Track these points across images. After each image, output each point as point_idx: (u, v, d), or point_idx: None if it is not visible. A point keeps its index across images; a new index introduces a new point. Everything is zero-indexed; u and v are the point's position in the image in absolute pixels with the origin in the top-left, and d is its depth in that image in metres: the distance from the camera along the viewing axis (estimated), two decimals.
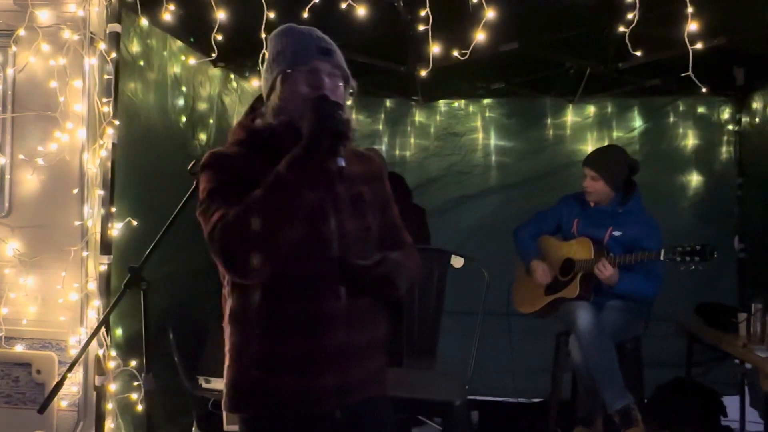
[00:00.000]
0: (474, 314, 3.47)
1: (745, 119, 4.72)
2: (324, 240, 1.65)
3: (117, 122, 2.89)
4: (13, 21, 2.93)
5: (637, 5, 2.71)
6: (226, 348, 1.73)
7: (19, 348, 2.94)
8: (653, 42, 3.24)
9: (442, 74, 3.53)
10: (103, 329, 2.71)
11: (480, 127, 5.08)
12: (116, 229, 2.91)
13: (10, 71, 2.96)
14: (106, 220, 2.87)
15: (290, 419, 1.67)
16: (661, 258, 3.32)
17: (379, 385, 1.77)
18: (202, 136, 3.98)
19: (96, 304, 2.86)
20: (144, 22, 3.15)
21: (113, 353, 2.88)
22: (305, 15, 2.85)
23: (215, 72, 4.08)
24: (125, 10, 2.95)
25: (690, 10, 2.69)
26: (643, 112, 4.90)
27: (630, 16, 2.76)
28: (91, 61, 2.89)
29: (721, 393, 4.14)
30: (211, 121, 4.12)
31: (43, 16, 2.91)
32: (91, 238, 2.88)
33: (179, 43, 3.58)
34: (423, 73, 3.24)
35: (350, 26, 2.99)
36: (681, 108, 4.85)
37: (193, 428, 3.59)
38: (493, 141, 5.05)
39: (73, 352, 2.81)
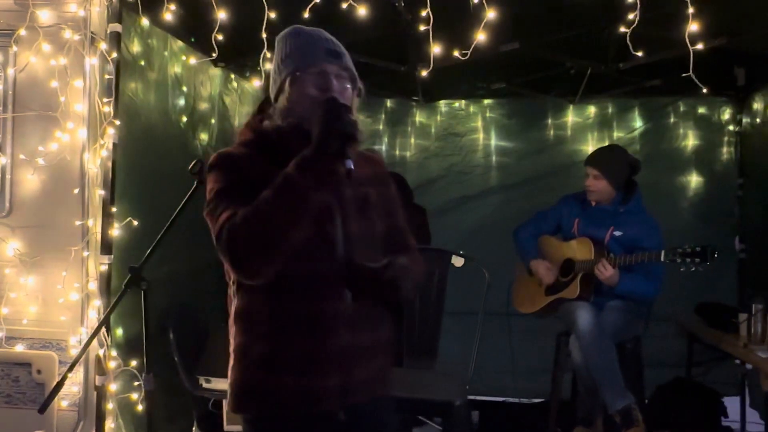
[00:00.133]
0: (474, 314, 3.47)
1: (745, 120, 4.72)
2: (330, 241, 1.65)
3: (118, 122, 2.89)
4: (13, 21, 2.93)
5: (638, 5, 2.71)
6: (231, 348, 1.73)
7: (19, 348, 2.95)
8: (654, 42, 3.23)
9: (443, 74, 3.53)
10: (103, 329, 2.71)
11: (480, 127, 5.08)
12: (117, 229, 2.91)
13: (10, 71, 2.96)
14: (106, 220, 2.87)
15: (293, 419, 1.67)
16: (662, 259, 3.32)
17: (382, 386, 1.77)
18: (203, 136, 3.99)
19: (96, 304, 2.86)
20: (145, 21, 3.15)
21: (114, 353, 2.88)
22: (306, 15, 2.85)
23: (216, 72, 4.08)
24: (126, 9, 2.95)
25: (690, 10, 2.69)
26: (644, 112, 4.90)
27: (631, 16, 2.76)
28: (91, 61, 2.89)
29: (722, 393, 4.14)
30: (213, 121, 4.13)
31: (44, 15, 2.92)
32: (91, 238, 2.89)
33: (180, 43, 3.58)
34: (424, 73, 3.24)
35: (351, 26, 2.98)
36: (682, 108, 4.85)
37: (194, 428, 3.59)
38: (493, 141, 5.05)
39: (74, 352, 2.81)
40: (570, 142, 4.97)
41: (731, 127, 4.81)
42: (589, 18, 3.38)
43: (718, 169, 4.81)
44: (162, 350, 3.26)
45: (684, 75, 2.74)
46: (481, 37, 2.86)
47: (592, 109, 4.97)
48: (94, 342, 2.56)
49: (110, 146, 2.88)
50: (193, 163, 2.22)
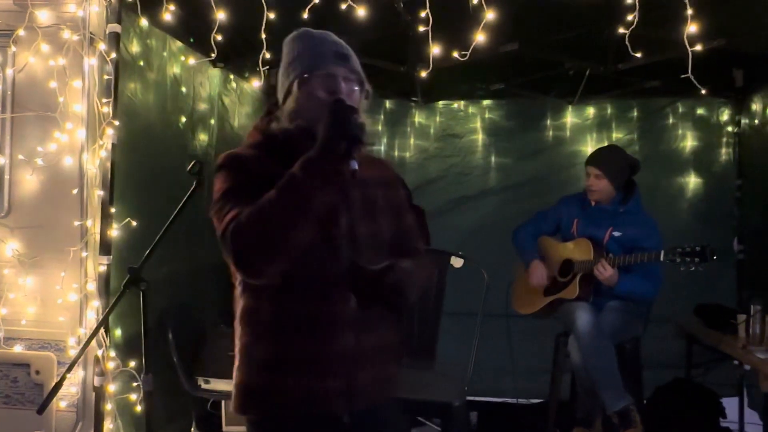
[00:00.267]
0: (473, 315, 3.47)
1: (744, 121, 4.72)
2: (335, 243, 1.65)
3: (117, 123, 2.89)
4: (12, 21, 2.93)
5: (637, 7, 2.72)
6: (236, 349, 1.73)
7: (18, 348, 2.94)
8: (653, 43, 3.24)
9: (442, 75, 3.53)
10: (102, 330, 2.70)
11: (479, 128, 5.08)
12: (116, 230, 2.90)
13: (9, 71, 2.96)
14: (105, 220, 2.87)
15: (297, 422, 1.66)
16: (661, 259, 3.32)
17: (388, 390, 1.76)
18: (202, 137, 3.98)
19: (95, 304, 2.85)
20: (144, 22, 3.15)
21: (112, 354, 2.87)
22: (305, 15, 2.85)
23: (215, 72, 4.08)
24: (125, 10, 2.95)
25: (689, 11, 2.70)
26: (643, 113, 4.91)
27: (630, 17, 2.76)
28: (90, 62, 2.89)
29: (720, 394, 4.14)
30: (212, 121, 4.12)
31: (43, 16, 2.91)
32: (90, 238, 2.88)
33: (179, 43, 3.58)
34: (423, 73, 3.24)
35: (350, 27, 2.98)
36: (680, 109, 4.86)
37: (192, 429, 3.59)
38: (492, 142, 5.05)
39: (72, 353, 2.80)
40: (569, 143, 4.97)
41: (730, 128, 4.81)
42: (588, 19, 3.39)
43: (716, 170, 4.82)
44: (161, 351, 3.26)
45: (683, 76, 2.74)
46: (480, 37, 2.86)
47: (591, 110, 4.97)
48: (93, 342, 2.56)
49: (109, 147, 2.88)
50: (192, 163, 2.22)
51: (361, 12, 2.89)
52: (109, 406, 2.86)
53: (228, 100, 4.30)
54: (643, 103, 4.89)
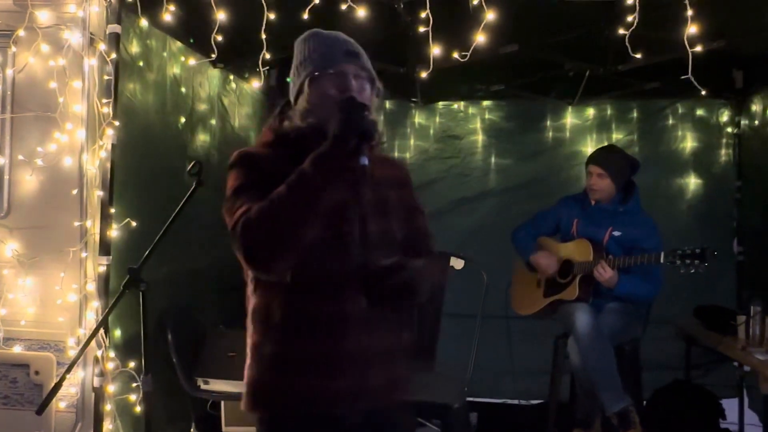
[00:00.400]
0: (473, 316, 3.47)
1: (744, 122, 4.72)
2: (345, 240, 1.65)
3: (116, 123, 2.89)
4: (12, 21, 2.93)
5: (637, 8, 2.72)
6: (247, 347, 1.74)
7: (17, 349, 2.94)
8: (653, 44, 3.24)
9: (442, 76, 3.53)
10: (101, 330, 2.70)
11: (479, 129, 5.08)
12: (115, 230, 2.90)
13: (9, 72, 2.96)
14: (105, 221, 2.86)
15: (306, 421, 1.66)
16: (661, 261, 3.32)
17: (400, 393, 1.75)
18: (203, 137, 3.98)
19: (95, 305, 2.85)
20: (144, 22, 3.15)
21: (112, 354, 2.87)
22: (305, 16, 2.85)
23: (214, 73, 4.08)
24: (125, 10, 2.95)
25: (689, 12, 2.70)
26: (643, 114, 4.91)
27: (630, 18, 2.76)
28: (90, 62, 2.89)
29: (720, 396, 4.14)
30: (213, 122, 4.12)
31: (43, 16, 2.91)
32: (90, 239, 2.88)
33: (178, 43, 3.58)
34: (423, 74, 3.24)
35: (350, 27, 2.98)
36: (680, 110, 4.86)
37: (192, 429, 3.59)
38: (492, 143, 5.05)
39: (72, 353, 2.80)
40: (569, 144, 4.97)
41: (729, 130, 4.81)
42: (588, 20, 3.39)
43: (716, 171, 4.82)
44: (160, 351, 3.25)
45: (683, 77, 2.74)
46: (480, 38, 2.86)
47: (590, 111, 4.97)
48: (93, 343, 2.56)
49: (109, 147, 2.88)
50: (191, 164, 2.22)
51: (361, 12, 2.89)
52: (108, 407, 2.86)
53: (227, 100, 4.30)
54: (643, 104, 4.89)
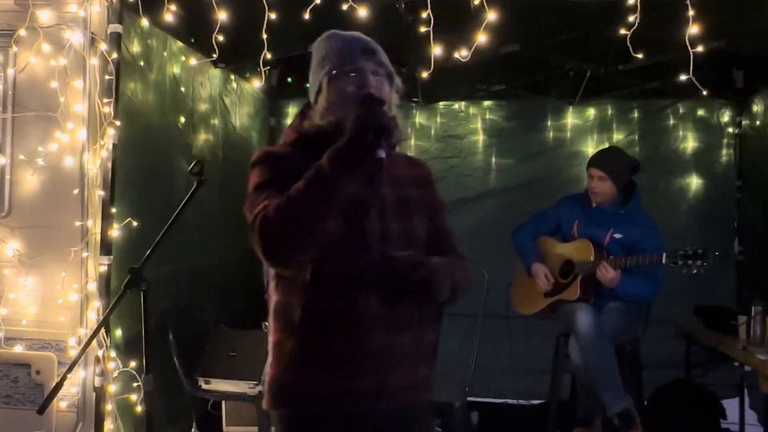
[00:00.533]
0: (474, 316, 3.47)
1: (744, 122, 4.72)
2: (365, 236, 1.65)
3: (118, 123, 2.89)
4: (14, 21, 2.93)
5: (638, 8, 2.72)
6: (269, 345, 1.74)
7: (18, 348, 2.94)
8: (654, 44, 3.24)
9: (443, 76, 3.53)
10: (102, 330, 2.70)
11: (480, 129, 5.08)
12: (116, 230, 2.91)
13: (10, 71, 2.96)
14: (106, 220, 2.87)
15: (326, 419, 1.66)
16: (663, 261, 3.32)
17: (422, 393, 1.75)
18: (205, 137, 3.99)
19: (96, 304, 2.86)
20: (145, 22, 3.15)
21: (113, 354, 2.87)
22: (306, 16, 2.85)
23: (215, 73, 4.08)
24: (126, 10, 2.95)
25: (690, 13, 2.70)
26: (643, 114, 4.90)
27: (631, 18, 2.76)
28: (92, 62, 2.89)
29: (721, 395, 4.14)
30: (214, 122, 4.13)
31: (44, 16, 2.91)
32: (91, 238, 2.88)
33: (179, 43, 3.59)
34: (424, 74, 3.24)
35: (351, 27, 2.97)
36: (681, 110, 4.86)
37: (193, 429, 3.59)
38: (493, 143, 5.05)
39: (73, 353, 2.80)
40: (569, 144, 4.97)
41: (730, 130, 4.81)
42: (589, 20, 3.39)
43: (717, 171, 4.81)
44: (161, 351, 3.26)
45: (683, 77, 2.74)
46: (481, 38, 2.87)
47: (591, 111, 4.97)
48: (94, 343, 2.55)
49: (110, 147, 2.88)
50: (193, 163, 2.22)
51: (362, 13, 2.89)
52: (109, 407, 2.87)
53: (228, 100, 4.30)
54: (644, 104, 4.88)
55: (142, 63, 3.23)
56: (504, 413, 4.57)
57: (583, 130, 4.97)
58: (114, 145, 2.89)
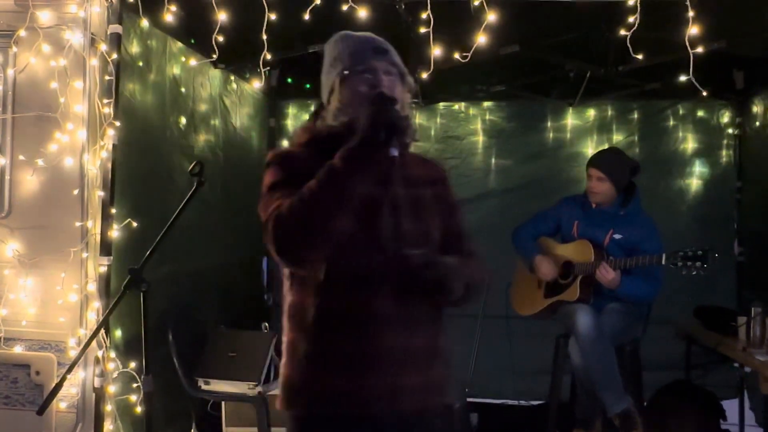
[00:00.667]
0: (474, 316, 3.47)
1: (744, 123, 4.72)
2: (377, 235, 1.65)
3: (117, 123, 2.89)
4: (13, 21, 2.93)
5: (638, 8, 2.72)
6: (283, 345, 1.74)
7: (18, 349, 2.94)
8: (654, 45, 3.24)
9: (443, 77, 3.53)
10: (102, 330, 2.70)
11: (480, 129, 5.08)
12: (116, 231, 2.91)
13: (10, 72, 2.96)
14: (106, 221, 2.87)
15: (340, 420, 1.66)
16: (663, 263, 3.32)
17: (437, 396, 1.74)
18: (205, 138, 3.99)
19: (95, 305, 2.85)
20: (145, 23, 3.15)
21: (113, 355, 2.87)
22: (306, 17, 2.85)
23: (215, 73, 4.08)
24: (126, 11, 2.95)
25: (690, 13, 2.70)
26: (643, 115, 4.90)
27: (631, 19, 2.76)
28: (91, 62, 2.89)
29: (720, 396, 4.14)
30: (216, 122, 4.13)
31: (44, 16, 2.91)
32: (91, 239, 2.88)
33: (179, 44, 3.59)
34: (424, 75, 3.24)
35: (351, 28, 2.97)
36: (681, 111, 4.86)
37: (192, 430, 3.59)
38: (493, 144, 5.05)
39: (73, 354, 2.80)
40: (569, 145, 4.97)
41: (730, 131, 4.81)
42: (589, 21, 3.39)
43: (717, 172, 4.82)
44: (161, 352, 3.25)
45: (683, 78, 2.74)
46: (481, 39, 2.87)
47: (591, 112, 4.97)
48: (93, 343, 2.55)
49: (110, 147, 2.88)
50: (193, 164, 2.22)
51: (362, 13, 2.89)
52: (109, 407, 2.86)
53: (228, 101, 4.31)
54: (644, 105, 4.89)
55: (141, 63, 3.23)
56: (504, 414, 4.58)
57: (583, 131, 4.97)
58: (114, 145, 2.89)
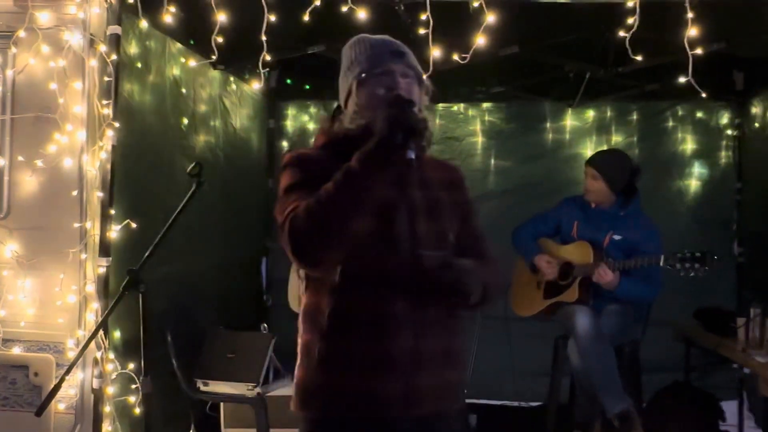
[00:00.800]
0: (473, 317, 3.46)
1: (744, 124, 4.72)
2: (394, 238, 1.65)
3: (117, 124, 2.89)
4: (13, 22, 2.93)
5: (638, 10, 2.72)
6: (298, 346, 1.74)
7: (16, 350, 2.94)
8: (653, 46, 3.24)
9: (442, 78, 3.52)
10: (101, 331, 2.70)
11: (479, 131, 5.08)
12: (115, 232, 2.90)
13: (9, 73, 2.96)
14: (104, 222, 2.87)
15: (354, 423, 1.65)
16: (661, 264, 3.32)
17: (453, 399, 1.73)
18: (205, 138, 3.99)
19: (94, 306, 2.85)
20: (144, 24, 3.15)
21: (111, 356, 2.87)
22: (305, 18, 2.85)
23: (215, 74, 4.08)
24: (125, 11, 2.96)
25: (690, 15, 2.70)
26: (643, 116, 4.90)
27: (630, 20, 2.76)
28: (91, 63, 2.89)
29: (720, 397, 4.14)
30: (217, 123, 4.13)
31: (43, 17, 2.91)
32: (89, 240, 2.88)
33: (178, 45, 3.59)
34: (423, 76, 3.24)
35: (350, 29, 2.97)
36: (680, 112, 4.86)
37: (191, 431, 3.58)
38: (492, 145, 5.05)
39: (71, 355, 2.80)
40: (568, 146, 4.97)
41: (730, 132, 4.81)
42: (588, 22, 3.39)
43: (716, 173, 4.82)
44: (160, 353, 3.25)
45: (683, 79, 2.74)
46: (480, 40, 2.87)
47: (590, 113, 4.97)
48: (92, 344, 2.56)
49: (109, 148, 2.88)
50: (192, 165, 2.22)
51: (361, 14, 2.89)
52: (107, 408, 2.86)
53: (228, 101, 4.30)
54: (643, 106, 4.89)
55: (141, 64, 3.23)
56: (503, 415, 4.57)
57: (583, 132, 4.97)
58: (113, 146, 2.89)
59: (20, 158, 2.95)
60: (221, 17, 2.95)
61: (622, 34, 2.85)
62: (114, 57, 2.87)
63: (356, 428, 1.65)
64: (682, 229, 4.61)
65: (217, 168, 4.11)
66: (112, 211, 2.89)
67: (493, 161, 5.05)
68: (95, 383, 2.83)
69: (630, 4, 2.75)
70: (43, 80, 2.93)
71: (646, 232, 3.57)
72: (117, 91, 2.90)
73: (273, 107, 5.07)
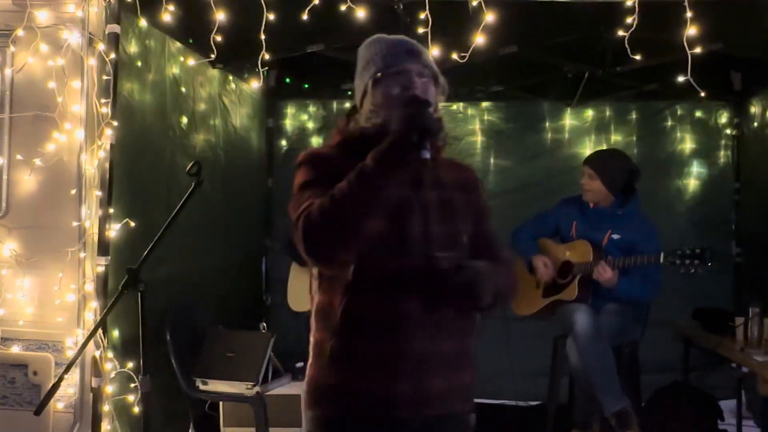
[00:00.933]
0: None
1: (742, 124, 4.73)
2: (407, 237, 1.65)
3: (115, 123, 2.89)
4: (11, 21, 2.93)
5: (636, 10, 2.72)
6: (310, 345, 1.74)
7: (15, 349, 2.94)
8: (652, 46, 3.24)
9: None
10: (100, 331, 2.70)
11: (478, 130, 5.08)
12: (114, 230, 2.90)
13: (8, 71, 2.96)
14: (103, 221, 2.87)
15: (365, 422, 1.65)
16: (661, 261, 3.33)
17: (464, 402, 1.73)
18: (205, 137, 3.99)
19: (93, 305, 2.85)
20: (143, 22, 3.15)
21: (110, 355, 2.87)
22: (305, 17, 2.85)
23: (214, 73, 4.08)
24: (124, 10, 2.96)
25: (688, 14, 2.70)
26: (641, 116, 4.91)
27: (629, 20, 2.76)
28: (89, 62, 2.89)
29: (718, 397, 4.15)
30: (217, 122, 4.13)
31: (42, 16, 2.91)
32: (88, 239, 2.88)
33: (177, 44, 3.59)
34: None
35: (349, 28, 2.98)
36: (679, 112, 4.86)
37: (190, 430, 3.58)
38: (491, 144, 5.05)
39: (70, 354, 2.80)
40: (567, 146, 4.97)
41: (728, 131, 4.82)
42: (587, 22, 3.39)
43: (715, 173, 4.82)
44: (158, 352, 3.25)
45: (681, 79, 2.74)
46: (479, 40, 2.87)
47: (589, 113, 4.98)
48: (91, 343, 2.56)
49: (108, 147, 2.88)
50: (191, 164, 2.22)
51: (360, 13, 2.89)
52: (106, 408, 2.86)
53: (227, 100, 4.31)
54: (642, 106, 4.89)
55: (140, 63, 3.23)
56: (502, 414, 4.57)
57: (581, 131, 4.97)
58: (111, 145, 2.89)
59: (19, 157, 2.95)
60: (220, 16, 2.95)
61: (620, 33, 2.85)
62: (113, 56, 2.87)
63: (366, 427, 1.65)
64: (681, 229, 4.62)
65: (216, 167, 4.11)
66: (111, 210, 2.89)
67: (492, 161, 5.05)
68: (94, 382, 2.83)
69: (629, 3, 2.76)
70: (42, 79, 2.93)
71: (645, 232, 3.57)
72: (116, 89, 2.90)
73: (272, 106, 5.06)
